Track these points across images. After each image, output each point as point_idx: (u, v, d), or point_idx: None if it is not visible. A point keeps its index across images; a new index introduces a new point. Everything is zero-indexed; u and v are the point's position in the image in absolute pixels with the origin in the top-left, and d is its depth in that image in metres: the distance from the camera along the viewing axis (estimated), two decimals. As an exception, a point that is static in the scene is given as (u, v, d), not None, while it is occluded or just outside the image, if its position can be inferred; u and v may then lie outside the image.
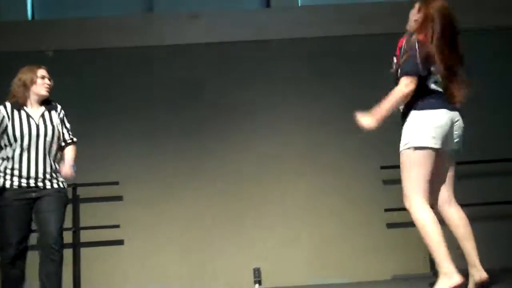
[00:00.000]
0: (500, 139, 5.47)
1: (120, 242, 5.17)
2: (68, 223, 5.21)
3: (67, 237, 5.22)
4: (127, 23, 5.68)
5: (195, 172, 5.42)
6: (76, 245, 5.25)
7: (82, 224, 5.30)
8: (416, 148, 3.20)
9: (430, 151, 3.21)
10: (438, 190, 3.37)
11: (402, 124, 3.37)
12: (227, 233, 5.34)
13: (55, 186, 3.68)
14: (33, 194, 3.61)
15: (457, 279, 3.03)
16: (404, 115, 3.36)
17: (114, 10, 5.85)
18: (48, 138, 3.69)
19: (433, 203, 3.34)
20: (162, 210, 5.31)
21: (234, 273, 5.27)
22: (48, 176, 3.66)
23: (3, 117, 3.64)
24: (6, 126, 3.63)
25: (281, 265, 5.28)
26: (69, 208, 5.22)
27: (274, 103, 5.59)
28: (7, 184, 3.59)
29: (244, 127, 5.54)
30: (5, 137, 3.64)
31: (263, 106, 5.59)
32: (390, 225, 5.13)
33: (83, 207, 5.32)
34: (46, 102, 3.81)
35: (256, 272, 5.24)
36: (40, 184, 3.63)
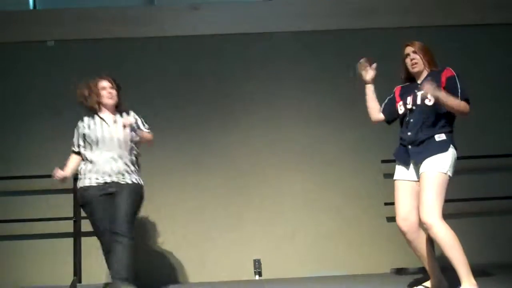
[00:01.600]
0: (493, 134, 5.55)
1: (120, 232, 5.20)
2: (69, 212, 5.27)
3: (68, 226, 5.28)
4: (128, 14, 5.68)
5: (194, 166, 5.45)
6: (77, 235, 5.28)
7: (83, 214, 5.32)
8: (450, 177, 3.56)
9: None
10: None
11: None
12: (226, 226, 5.38)
13: (129, 181, 4.09)
14: (111, 190, 4.03)
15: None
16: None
17: (116, 0, 5.85)
18: (122, 139, 4.10)
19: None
20: (162, 204, 5.33)
21: (235, 265, 5.32)
22: (124, 173, 4.08)
23: (83, 133, 4.13)
24: (84, 134, 4.12)
25: (280, 258, 5.33)
26: (70, 198, 5.30)
27: (273, 97, 5.60)
28: (92, 183, 4.03)
29: (243, 121, 5.56)
30: (84, 143, 4.12)
31: (262, 100, 5.60)
32: (390, 219, 5.16)
33: (84, 197, 5.35)
34: (118, 109, 4.25)
35: (257, 263, 5.29)
36: (117, 180, 4.04)
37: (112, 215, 3.98)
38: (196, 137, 5.52)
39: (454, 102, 3.53)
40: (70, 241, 5.27)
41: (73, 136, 4.21)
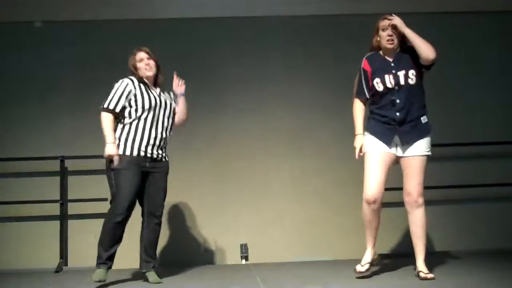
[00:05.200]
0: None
1: (107, 215, 5.18)
2: (55, 195, 5.25)
3: (54, 209, 5.26)
4: (118, -5, 5.63)
5: (181, 150, 5.44)
6: (64, 217, 5.27)
7: (69, 196, 5.31)
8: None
9: None
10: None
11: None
12: (213, 211, 5.39)
13: (164, 160, 4.12)
14: (147, 164, 4.00)
15: None
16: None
17: (104, -18, 5.78)
18: (167, 112, 4.13)
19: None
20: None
21: (221, 249, 5.34)
22: (162, 149, 4.10)
23: (130, 90, 4.00)
24: (133, 98, 3.99)
25: (267, 243, 5.35)
26: (57, 180, 5.28)
27: (261, 82, 5.59)
28: (127, 152, 3.94)
29: (231, 106, 5.54)
30: (130, 108, 4.00)
31: (250, 85, 5.58)
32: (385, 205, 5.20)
33: (71, 179, 5.33)
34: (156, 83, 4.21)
35: (243, 247, 5.31)
36: (155, 155, 4.03)
37: (152, 195, 4.05)
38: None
39: (421, 39, 3.71)
40: (56, 223, 5.26)
41: (107, 94, 4.05)
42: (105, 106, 3.99)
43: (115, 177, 3.92)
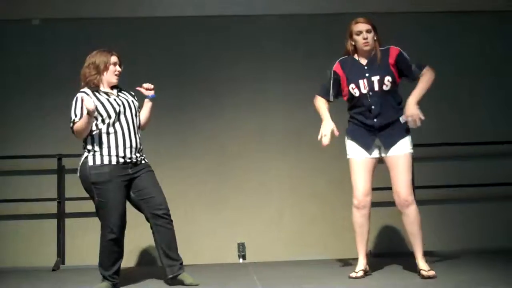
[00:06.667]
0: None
1: (104, 214, 5.17)
2: (52, 193, 5.24)
3: (52, 207, 5.25)
4: (115, -7, 5.62)
5: (180, 150, 5.44)
6: (61, 216, 5.26)
7: (67, 195, 5.30)
8: None
9: None
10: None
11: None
12: (211, 210, 5.39)
13: (143, 162, 3.89)
14: (130, 171, 3.78)
15: None
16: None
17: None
18: (133, 111, 3.85)
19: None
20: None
21: (219, 248, 5.34)
22: (139, 152, 3.86)
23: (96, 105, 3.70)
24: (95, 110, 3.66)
25: (264, 242, 5.35)
26: (54, 178, 5.27)
27: (259, 80, 5.57)
28: (105, 162, 3.70)
29: (230, 105, 5.53)
30: (96, 121, 3.71)
31: (249, 84, 5.57)
32: (373, 204, 5.19)
33: (68, 178, 5.32)
34: (116, 88, 3.92)
35: (241, 246, 5.30)
36: (134, 159, 3.79)
37: (146, 197, 3.79)
38: (182, 120, 5.49)
39: (426, 86, 3.75)
40: (53, 222, 5.25)
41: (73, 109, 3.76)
42: (73, 123, 3.73)
43: (98, 192, 3.70)
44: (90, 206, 5.17)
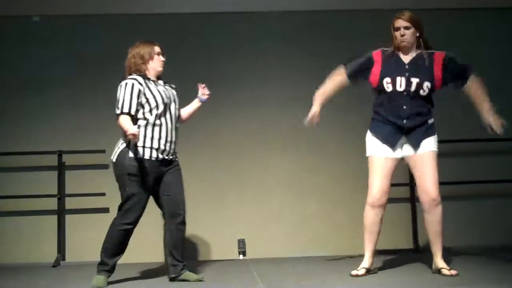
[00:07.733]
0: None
1: (105, 210, 5.17)
2: (53, 190, 5.24)
3: (52, 204, 5.25)
4: (116, -11, 5.61)
5: (179, 146, 5.40)
6: (61, 212, 5.27)
7: (67, 191, 5.30)
8: None
9: None
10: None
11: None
12: (211, 207, 5.39)
13: (176, 159, 3.91)
14: (164, 168, 3.79)
15: None
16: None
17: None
18: (176, 104, 3.89)
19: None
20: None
21: (219, 244, 5.34)
22: (175, 147, 3.86)
23: (139, 90, 3.70)
24: (143, 98, 3.69)
25: (265, 238, 5.35)
26: (54, 175, 5.27)
27: (259, 77, 5.58)
28: (147, 156, 3.69)
29: (229, 101, 5.52)
30: (143, 109, 3.70)
31: (248, 80, 5.58)
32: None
33: (68, 174, 5.32)
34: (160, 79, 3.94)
35: (241, 243, 5.31)
36: (171, 155, 3.82)
37: (172, 194, 3.80)
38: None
39: (488, 97, 3.70)
40: (54, 218, 5.26)
41: (114, 99, 3.71)
42: (120, 111, 3.65)
43: (130, 184, 3.65)
44: (90, 202, 5.24)
